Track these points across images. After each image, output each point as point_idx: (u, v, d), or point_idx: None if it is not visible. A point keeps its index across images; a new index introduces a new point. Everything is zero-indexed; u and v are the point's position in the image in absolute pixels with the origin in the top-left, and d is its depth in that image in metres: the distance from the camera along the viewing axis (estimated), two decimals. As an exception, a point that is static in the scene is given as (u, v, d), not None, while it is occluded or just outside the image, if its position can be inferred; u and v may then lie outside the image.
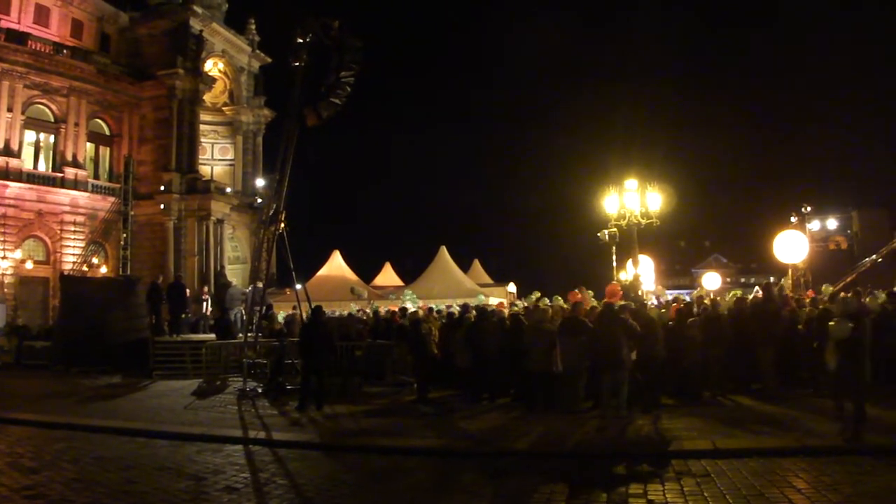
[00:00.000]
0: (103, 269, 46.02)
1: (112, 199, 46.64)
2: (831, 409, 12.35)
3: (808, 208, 46.44)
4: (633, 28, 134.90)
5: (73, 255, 45.49)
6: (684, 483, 9.50)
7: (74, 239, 46.40)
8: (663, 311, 18.16)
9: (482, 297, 30.89)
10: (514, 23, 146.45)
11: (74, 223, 46.55)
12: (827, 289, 20.36)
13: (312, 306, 19.14)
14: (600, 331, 14.11)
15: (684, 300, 21.79)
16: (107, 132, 50.22)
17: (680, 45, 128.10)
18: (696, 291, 29.37)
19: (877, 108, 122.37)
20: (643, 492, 9.19)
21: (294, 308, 24.14)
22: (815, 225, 50.61)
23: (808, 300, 20.02)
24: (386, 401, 18.12)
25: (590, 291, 21.59)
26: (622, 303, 16.40)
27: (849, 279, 37.32)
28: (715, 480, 9.52)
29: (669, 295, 28.47)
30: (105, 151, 50.49)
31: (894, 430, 11.91)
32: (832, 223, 58.55)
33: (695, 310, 17.93)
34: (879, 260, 44.10)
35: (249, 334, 21.83)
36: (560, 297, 20.56)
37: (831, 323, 11.73)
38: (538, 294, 22.10)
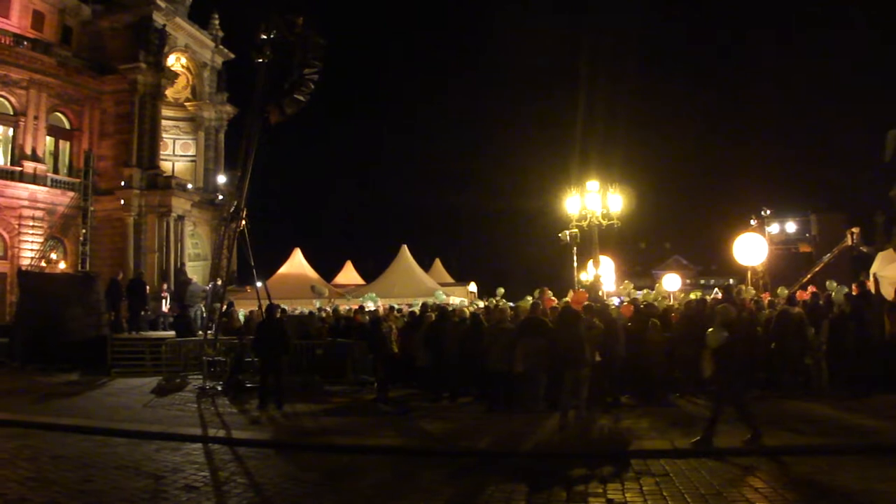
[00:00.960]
0: (62, 265, 45.47)
1: (71, 194, 45.94)
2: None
3: (768, 211, 46.99)
4: (594, 31, 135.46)
5: (32, 250, 44.85)
6: (644, 482, 9.59)
7: (33, 234, 45.77)
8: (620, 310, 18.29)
9: (441, 296, 30.93)
10: (474, 24, 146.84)
11: (33, 218, 45.92)
12: (782, 291, 20.58)
13: (266, 305, 19.14)
14: (561, 329, 14.16)
15: (646, 300, 21.88)
16: (67, 126, 49.57)
17: (642, 48, 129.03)
18: (655, 292, 29.53)
19: (834, 112, 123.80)
20: (603, 491, 9.26)
21: (256, 307, 24.05)
22: (774, 228, 51.12)
23: (766, 302, 20.27)
24: (346, 399, 18.13)
25: (548, 291, 21.76)
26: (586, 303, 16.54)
27: (804, 280, 37.75)
28: (674, 480, 9.63)
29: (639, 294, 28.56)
30: (65, 146, 49.82)
31: (853, 430, 12.08)
32: (791, 226, 59.16)
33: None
34: (832, 259, 44.61)
35: (209, 332, 21.74)
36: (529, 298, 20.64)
37: (709, 330, 11.83)
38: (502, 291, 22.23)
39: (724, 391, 11.50)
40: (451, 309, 20.93)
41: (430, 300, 27.28)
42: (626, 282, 35.21)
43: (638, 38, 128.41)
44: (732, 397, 11.43)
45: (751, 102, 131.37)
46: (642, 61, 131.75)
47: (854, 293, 17.26)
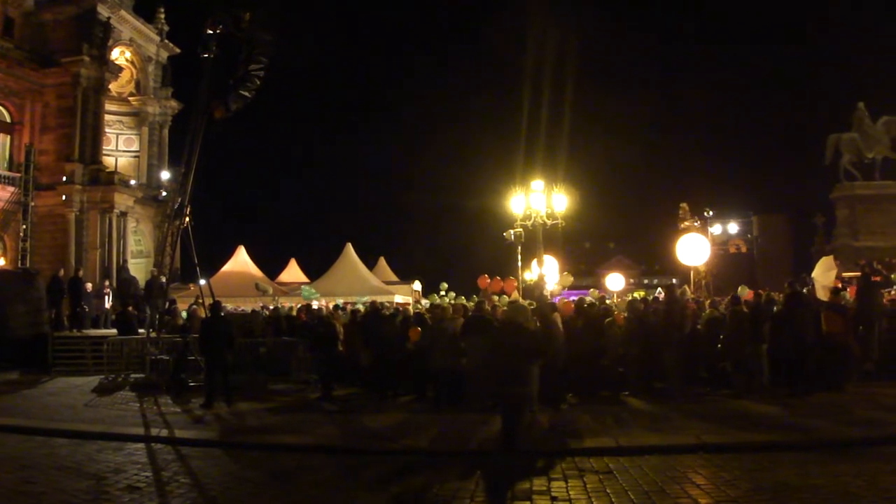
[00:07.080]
0: (1, 262, 44.71)
1: (11, 188, 45.01)
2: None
3: (711, 212, 47.59)
4: (537, 29, 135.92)
5: (-30, 246, 44.19)
6: (587, 479, 9.68)
7: (-29, 230, 45.04)
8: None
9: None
10: (420, 22, 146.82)
11: (-29, 213, 45.17)
12: (743, 290, 20.97)
13: (211, 302, 19.00)
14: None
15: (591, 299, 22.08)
16: (7, 119, 48.60)
17: (587, 50, 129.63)
18: (594, 292, 29.77)
19: (776, 116, 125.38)
20: (547, 488, 9.33)
21: (198, 303, 23.87)
22: (716, 229, 51.73)
23: (707, 302, 20.59)
24: (290, 398, 18.06)
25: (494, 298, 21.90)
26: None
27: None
28: (617, 477, 9.73)
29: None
30: (5, 139, 48.83)
31: (793, 427, 12.28)
32: (733, 227, 59.98)
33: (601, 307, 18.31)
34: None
35: (152, 330, 21.55)
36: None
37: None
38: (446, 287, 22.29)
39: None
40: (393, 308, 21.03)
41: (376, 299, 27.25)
42: (566, 273, 35.40)
43: (583, 41, 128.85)
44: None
45: (695, 104, 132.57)
46: (587, 63, 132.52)
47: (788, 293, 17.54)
